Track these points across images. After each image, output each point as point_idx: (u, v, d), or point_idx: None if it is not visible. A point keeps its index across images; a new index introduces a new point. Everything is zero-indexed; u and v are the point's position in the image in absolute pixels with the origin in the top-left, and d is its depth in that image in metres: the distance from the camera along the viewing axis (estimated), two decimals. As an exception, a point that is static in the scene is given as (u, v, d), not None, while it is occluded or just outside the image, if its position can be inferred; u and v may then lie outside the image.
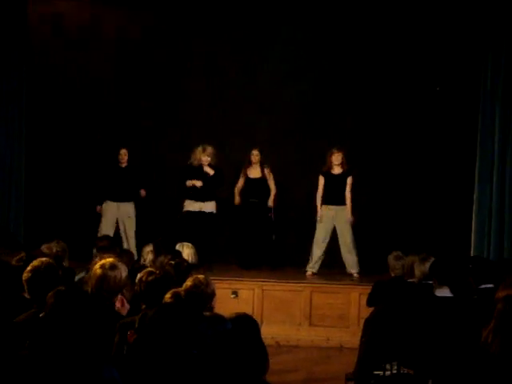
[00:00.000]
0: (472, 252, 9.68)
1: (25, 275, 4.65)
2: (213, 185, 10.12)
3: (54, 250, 6.65)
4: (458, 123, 10.61)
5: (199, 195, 10.10)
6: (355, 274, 9.95)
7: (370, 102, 10.97)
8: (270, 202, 10.40)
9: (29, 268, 4.67)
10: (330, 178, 10.08)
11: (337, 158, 10.04)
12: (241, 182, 10.48)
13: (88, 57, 11.03)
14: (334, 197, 10.05)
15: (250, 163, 10.47)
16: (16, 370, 3.27)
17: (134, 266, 6.39)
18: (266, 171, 10.45)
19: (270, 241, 10.43)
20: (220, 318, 4.70)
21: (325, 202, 10.08)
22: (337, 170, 10.09)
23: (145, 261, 7.66)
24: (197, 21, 11.04)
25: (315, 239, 10.05)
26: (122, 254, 6.77)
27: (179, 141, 10.90)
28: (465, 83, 10.50)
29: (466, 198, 10.06)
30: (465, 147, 10.32)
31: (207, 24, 11.01)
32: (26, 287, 4.62)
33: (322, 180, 10.11)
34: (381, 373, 7.26)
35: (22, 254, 4.98)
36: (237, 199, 10.49)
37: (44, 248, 6.69)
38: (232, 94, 11.12)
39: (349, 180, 10.03)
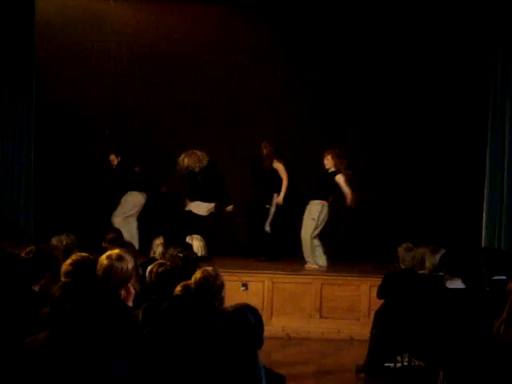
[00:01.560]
0: (483, 243, 9.63)
1: (64, 268, 4.66)
2: (201, 187, 10.06)
3: (64, 243, 6.64)
4: (469, 114, 10.57)
5: (189, 194, 10.15)
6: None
7: (382, 94, 10.95)
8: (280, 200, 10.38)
9: (69, 261, 4.69)
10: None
11: (324, 162, 10.02)
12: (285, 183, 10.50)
13: (97, 50, 10.99)
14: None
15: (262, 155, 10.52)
16: (28, 363, 3.26)
17: (137, 260, 6.38)
18: (277, 164, 10.42)
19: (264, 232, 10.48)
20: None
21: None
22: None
23: (155, 253, 7.67)
24: (197, 16, 11.00)
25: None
26: (128, 247, 6.75)
27: (188, 138, 10.89)
28: (475, 75, 10.44)
29: (476, 189, 10.01)
30: (475, 138, 10.26)
31: (209, 18, 10.97)
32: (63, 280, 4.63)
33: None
34: (392, 365, 7.26)
35: (32, 247, 4.97)
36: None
37: (54, 240, 6.68)
38: (234, 92, 11.10)
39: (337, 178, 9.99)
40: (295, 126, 11.11)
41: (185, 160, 9.96)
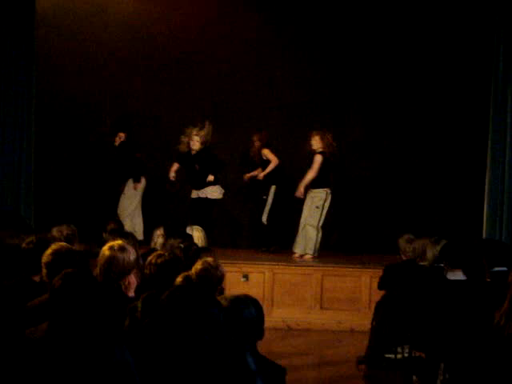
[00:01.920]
0: (484, 234, 9.63)
1: (45, 258, 4.65)
2: (203, 173, 9.99)
3: (65, 233, 6.62)
4: (471, 106, 10.54)
5: (193, 183, 10.09)
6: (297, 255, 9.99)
7: (384, 84, 10.92)
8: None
9: (49, 251, 4.67)
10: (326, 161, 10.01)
11: (312, 142, 9.97)
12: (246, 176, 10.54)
13: (97, 42, 10.95)
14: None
15: (252, 146, 10.53)
16: (29, 353, 3.26)
17: (138, 251, 6.37)
18: (266, 151, 10.41)
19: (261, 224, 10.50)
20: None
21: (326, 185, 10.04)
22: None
23: (155, 244, 7.67)
24: (197, 4, 10.97)
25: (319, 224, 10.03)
26: (129, 239, 6.74)
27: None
28: (476, 67, 10.43)
29: (478, 180, 10.00)
30: (477, 129, 10.26)
31: (209, 8, 10.94)
32: (45, 271, 4.62)
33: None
34: (392, 356, 7.26)
35: (32, 238, 4.97)
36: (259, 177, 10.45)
37: (54, 231, 6.66)
38: (235, 80, 11.07)
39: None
40: (294, 116, 11.07)
41: (204, 131, 9.91)
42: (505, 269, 5.86)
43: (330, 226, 10.57)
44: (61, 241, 5.82)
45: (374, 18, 10.80)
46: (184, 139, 9.96)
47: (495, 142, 9.68)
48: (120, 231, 7.50)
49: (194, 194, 10.04)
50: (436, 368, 5.71)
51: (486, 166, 9.78)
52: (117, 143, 10.62)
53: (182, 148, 9.98)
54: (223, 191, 10.00)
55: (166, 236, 7.32)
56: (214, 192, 9.95)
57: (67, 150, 11.01)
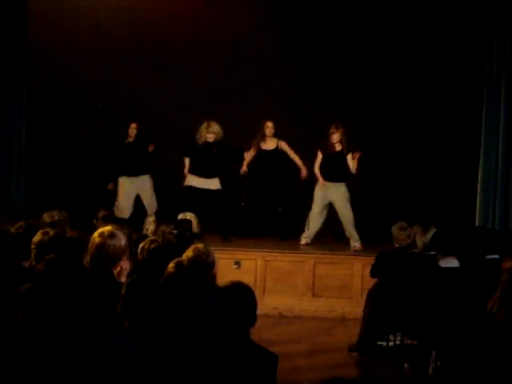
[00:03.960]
0: (477, 222, 9.63)
1: (33, 244, 4.63)
2: (218, 162, 10.05)
3: (56, 219, 6.60)
4: (464, 95, 10.52)
5: (203, 171, 10.04)
6: (358, 245, 9.90)
7: (377, 76, 10.86)
8: (304, 173, 10.21)
9: (37, 237, 4.65)
10: (328, 154, 9.99)
11: (334, 137, 9.94)
12: (250, 154, 10.37)
13: (96, 28, 10.85)
14: (331, 174, 9.98)
15: (263, 136, 10.31)
16: (18, 340, 3.23)
17: (132, 236, 6.34)
18: (283, 144, 10.32)
19: (277, 213, 10.38)
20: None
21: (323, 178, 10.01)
22: (336, 148, 9.99)
23: (147, 231, 7.65)
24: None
25: (311, 212, 9.99)
26: (123, 225, 6.71)
27: (185, 114, 10.79)
28: (469, 58, 10.40)
29: (471, 167, 9.99)
30: (470, 118, 10.24)
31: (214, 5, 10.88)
32: (33, 256, 4.61)
33: (320, 155, 10.04)
34: (384, 343, 7.26)
35: (21, 223, 4.94)
36: (244, 169, 10.36)
37: (45, 216, 6.63)
38: (239, 69, 11.00)
39: (348, 157, 9.94)
40: (295, 105, 11.01)
41: (216, 127, 9.95)
42: (497, 256, 5.87)
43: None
44: (51, 226, 5.80)
45: (372, 17, 10.74)
46: (202, 132, 10.02)
47: (488, 130, 9.69)
48: (113, 217, 7.49)
49: (209, 185, 10.04)
50: (428, 355, 5.72)
51: (480, 154, 9.78)
52: (132, 135, 10.27)
53: (201, 139, 10.02)
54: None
55: (158, 222, 7.30)
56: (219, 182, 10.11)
57: (59, 135, 10.92)
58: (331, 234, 10.39)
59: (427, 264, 6.33)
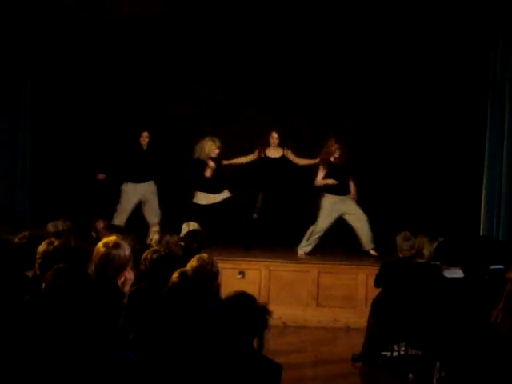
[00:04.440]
0: (481, 232, 9.61)
1: (38, 254, 4.64)
2: (225, 176, 10.19)
3: (60, 229, 6.60)
4: (468, 102, 10.50)
5: (213, 187, 10.10)
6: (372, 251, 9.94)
7: (380, 82, 10.86)
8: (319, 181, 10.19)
9: (43, 247, 4.66)
10: (333, 168, 10.02)
11: (337, 152, 9.98)
12: (248, 158, 10.42)
13: (105, 34, 10.83)
14: (339, 187, 10.00)
15: (268, 145, 10.41)
16: (23, 349, 3.23)
17: (136, 247, 6.34)
18: (289, 153, 10.35)
19: (251, 220, 10.40)
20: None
21: (328, 191, 10.03)
22: (338, 161, 10.02)
23: (151, 240, 7.66)
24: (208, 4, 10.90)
25: (317, 226, 9.98)
26: (126, 235, 6.72)
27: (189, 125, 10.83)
28: (474, 65, 10.38)
29: (475, 178, 9.98)
30: (474, 127, 10.22)
31: (219, 10, 10.88)
32: (38, 266, 4.61)
33: (323, 169, 10.06)
34: (388, 353, 7.25)
35: (25, 233, 4.94)
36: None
37: (50, 226, 6.64)
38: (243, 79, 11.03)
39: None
40: (293, 109, 11.02)
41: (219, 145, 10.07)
42: (501, 267, 5.86)
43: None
44: (56, 236, 5.80)
45: (376, 21, 10.73)
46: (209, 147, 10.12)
47: (493, 140, 9.67)
48: (117, 227, 7.49)
49: (219, 198, 10.10)
50: (432, 366, 5.70)
51: (484, 164, 9.77)
52: (144, 143, 10.35)
53: (208, 154, 10.12)
54: None
55: (162, 232, 7.31)
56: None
57: (64, 144, 10.91)
58: (335, 244, 10.39)
59: (431, 274, 6.33)
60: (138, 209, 10.39)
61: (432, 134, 10.77)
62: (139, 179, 10.30)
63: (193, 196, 10.23)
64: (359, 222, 9.96)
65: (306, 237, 10.01)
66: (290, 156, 10.38)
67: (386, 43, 10.80)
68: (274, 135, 10.35)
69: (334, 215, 9.98)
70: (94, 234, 8.15)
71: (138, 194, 10.31)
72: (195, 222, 9.44)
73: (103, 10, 10.52)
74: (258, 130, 10.54)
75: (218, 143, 10.14)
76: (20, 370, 3.17)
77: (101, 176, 10.36)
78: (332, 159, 10.00)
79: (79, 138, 10.93)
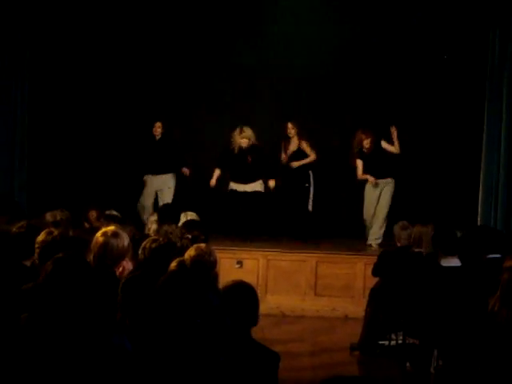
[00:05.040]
0: (479, 222, 9.63)
1: (37, 243, 4.65)
2: (254, 168, 10.03)
3: (58, 218, 6.61)
4: (466, 93, 10.51)
5: (242, 177, 10.07)
6: (374, 245, 10.00)
7: (377, 75, 10.86)
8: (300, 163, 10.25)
9: (42, 236, 4.67)
10: (367, 157, 10.09)
11: (367, 143, 10.02)
12: (284, 157, 10.39)
13: (104, 27, 10.80)
14: (378, 172, 10.08)
15: (287, 137, 10.38)
16: (21, 338, 3.24)
17: (135, 236, 6.34)
18: (304, 144, 10.33)
19: (307, 212, 10.35)
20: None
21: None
22: (369, 150, 10.08)
23: (149, 230, 7.65)
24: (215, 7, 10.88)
25: (367, 214, 10.17)
26: (125, 225, 6.73)
27: (207, 117, 10.83)
28: (472, 54, 10.39)
29: (473, 168, 9.99)
30: (472, 116, 10.23)
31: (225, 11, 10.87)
32: (37, 255, 4.63)
33: (359, 162, 10.13)
34: (386, 342, 7.27)
35: (23, 222, 4.95)
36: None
37: (48, 216, 6.65)
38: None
39: (384, 144, 10.11)
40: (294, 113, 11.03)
41: (249, 132, 9.99)
42: (498, 256, 5.87)
43: (327, 214, 10.62)
44: (54, 225, 5.81)
45: (375, 22, 10.74)
46: (235, 138, 10.05)
47: (490, 131, 9.69)
48: (116, 217, 7.50)
49: (247, 188, 10.05)
50: (429, 355, 5.72)
51: (482, 154, 9.78)
52: (158, 134, 10.31)
53: (235, 145, 10.05)
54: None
55: (160, 222, 7.30)
56: (262, 185, 10.11)
57: (62, 135, 10.90)
58: (333, 233, 10.41)
59: (428, 263, 6.34)
60: (137, 197, 10.39)
61: (430, 127, 10.79)
62: (155, 171, 10.29)
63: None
64: (379, 213, 10.00)
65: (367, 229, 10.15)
66: (305, 147, 10.32)
67: (384, 43, 10.80)
68: (289, 125, 10.31)
69: (376, 200, 10.10)
70: (86, 225, 8.14)
71: (154, 186, 10.33)
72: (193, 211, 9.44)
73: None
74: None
75: (246, 133, 9.99)
76: (19, 359, 3.18)
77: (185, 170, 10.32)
78: (365, 150, 10.06)
79: (77, 129, 10.92)
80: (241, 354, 3.63)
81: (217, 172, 10.12)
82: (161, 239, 5.14)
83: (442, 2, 10.48)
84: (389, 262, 7.33)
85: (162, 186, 10.31)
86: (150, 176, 10.32)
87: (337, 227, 10.56)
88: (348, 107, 10.87)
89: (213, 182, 10.11)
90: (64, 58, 10.79)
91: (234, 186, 10.13)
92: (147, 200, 10.28)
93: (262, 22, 10.91)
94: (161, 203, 10.05)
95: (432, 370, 5.78)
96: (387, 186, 10.06)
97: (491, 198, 9.65)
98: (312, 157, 10.28)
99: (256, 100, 10.92)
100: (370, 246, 10.01)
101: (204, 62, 10.99)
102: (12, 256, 4.73)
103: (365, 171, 10.09)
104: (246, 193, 10.04)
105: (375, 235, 10.04)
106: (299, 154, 10.32)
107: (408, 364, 6.51)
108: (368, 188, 10.12)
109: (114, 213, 8.14)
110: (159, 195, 10.32)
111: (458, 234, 6.32)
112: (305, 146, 10.32)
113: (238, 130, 10.06)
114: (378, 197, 10.09)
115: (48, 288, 3.27)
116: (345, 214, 10.73)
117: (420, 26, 10.62)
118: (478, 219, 9.73)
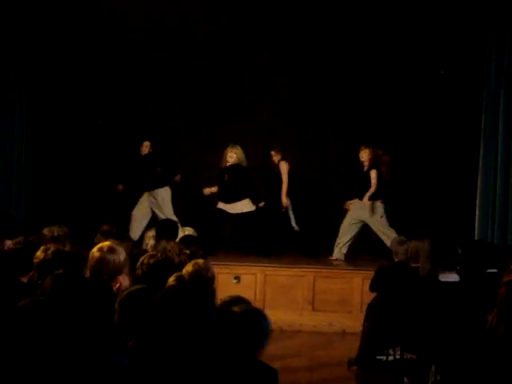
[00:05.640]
0: (476, 236, 9.63)
1: (36, 259, 4.65)
2: (232, 187, 10.07)
3: (56, 234, 6.59)
4: (463, 107, 10.53)
5: (222, 196, 10.13)
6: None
7: (373, 88, 10.88)
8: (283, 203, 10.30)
9: (40, 252, 4.67)
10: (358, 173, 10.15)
11: (362, 155, 10.06)
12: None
13: (105, 38, 10.81)
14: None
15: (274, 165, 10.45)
16: (18, 354, 3.23)
17: (133, 251, 6.34)
18: (282, 164, 10.32)
19: (292, 231, 10.40)
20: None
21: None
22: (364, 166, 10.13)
23: (147, 245, 7.65)
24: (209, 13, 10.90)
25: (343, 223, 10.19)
26: (124, 241, 6.74)
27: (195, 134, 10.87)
28: (468, 67, 10.41)
29: (470, 182, 10.00)
30: (469, 130, 10.23)
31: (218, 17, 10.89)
32: (36, 272, 4.63)
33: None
34: (384, 358, 7.25)
35: (20, 238, 4.95)
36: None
37: (45, 231, 6.63)
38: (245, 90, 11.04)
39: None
40: (303, 118, 11.05)
41: (238, 152, 10.05)
42: (495, 271, 5.87)
43: (324, 229, 10.62)
44: (52, 241, 5.80)
45: (371, 21, 10.77)
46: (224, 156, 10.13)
47: (487, 145, 9.69)
48: (113, 232, 7.48)
49: (229, 208, 10.11)
50: (427, 370, 5.71)
51: (478, 168, 9.78)
52: (144, 153, 10.43)
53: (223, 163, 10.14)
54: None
55: (158, 237, 7.30)
56: (249, 205, 10.16)
57: (60, 150, 10.92)
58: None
59: (427, 278, 6.34)
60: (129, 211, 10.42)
61: (427, 139, 10.79)
62: (147, 187, 10.40)
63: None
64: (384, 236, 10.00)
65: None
66: (283, 168, 10.33)
67: (382, 43, 10.83)
68: (272, 153, 10.38)
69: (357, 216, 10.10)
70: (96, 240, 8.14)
71: (148, 202, 10.41)
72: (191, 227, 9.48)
73: (101, 13, 10.56)
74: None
75: (233, 150, 10.07)
76: (17, 375, 3.17)
77: (120, 187, 10.46)
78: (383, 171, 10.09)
79: (75, 144, 10.93)
80: (239, 370, 3.62)
81: (213, 189, 10.23)
82: (159, 255, 5.14)
83: (438, 15, 10.50)
84: (386, 277, 7.33)
85: (154, 202, 10.36)
86: (144, 194, 10.41)
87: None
88: (341, 124, 10.89)
89: (207, 190, 10.19)
90: (62, 70, 10.81)
91: (220, 204, 10.17)
92: (142, 216, 10.32)
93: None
94: (161, 216, 10.09)
95: (430, 385, 5.77)
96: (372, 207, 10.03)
97: (488, 213, 9.65)
98: (285, 183, 10.26)
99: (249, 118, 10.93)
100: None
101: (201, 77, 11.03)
102: (9, 272, 4.73)
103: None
104: (228, 213, 10.10)
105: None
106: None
107: (406, 379, 6.50)
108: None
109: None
110: (156, 210, 10.33)
111: (459, 250, 6.33)
112: (282, 168, 10.32)
113: (227, 149, 10.13)
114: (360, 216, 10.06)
115: (48, 304, 3.26)
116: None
117: (417, 40, 10.64)
118: (475, 234, 9.73)
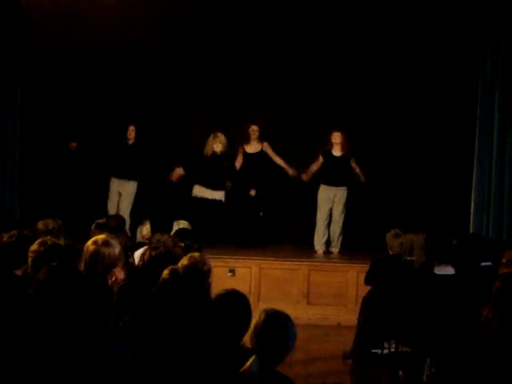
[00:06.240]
0: (471, 230, 9.64)
1: (31, 252, 4.63)
2: (225, 175, 10.17)
3: (50, 227, 6.57)
4: (458, 100, 10.53)
5: (210, 183, 10.10)
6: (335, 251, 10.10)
7: (369, 82, 10.85)
8: (292, 172, 10.30)
9: (35, 245, 4.65)
10: (330, 158, 10.08)
11: (335, 137, 10.03)
12: (240, 160, 10.41)
13: (95, 30, 10.77)
14: (334, 178, 10.03)
15: (248, 139, 10.41)
16: (18, 347, 3.22)
17: (127, 244, 6.32)
18: (266, 146, 10.38)
19: (258, 218, 10.44)
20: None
21: (324, 182, 10.08)
22: (336, 152, 10.08)
23: (142, 238, 7.64)
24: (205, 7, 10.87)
25: (318, 219, 10.16)
26: (118, 234, 6.71)
27: (186, 121, 10.81)
28: (463, 63, 10.41)
29: (465, 176, 10.00)
30: (464, 123, 10.24)
31: (216, 11, 10.86)
32: (30, 265, 4.62)
33: (320, 158, 10.11)
34: (378, 351, 7.25)
35: (14, 231, 4.93)
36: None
37: (40, 224, 6.60)
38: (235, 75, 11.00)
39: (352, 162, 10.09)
40: (290, 107, 11.02)
41: (222, 140, 10.06)
42: (489, 263, 5.88)
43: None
44: (46, 234, 5.78)
45: (367, 21, 10.76)
46: (209, 144, 10.14)
47: (482, 139, 9.69)
48: (108, 225, 7.47)
49: (215, 196, 10.12)
50: (422, 363, 5.72)
51: (473, 162, 9.78)
52: (131, 137, 10.33)
53: (208, 150, 10.14)
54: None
55: (152, 230, 7.29)
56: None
57: (54, 142, 10.87)
58: (326, 242, 10.40)
59: (422, 271, 6.34)
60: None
61: (422, 132, 10.79)
62: (121, 175, 10.28)
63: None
64: (335, 224, 10.12)
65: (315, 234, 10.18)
66: (268, 150, 10.38)
67: (380, 44, 10.83)
68: (254, 128, 10.37)
69: (328, 205, 10.17)
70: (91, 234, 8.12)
71: (118, 189, 10.32)
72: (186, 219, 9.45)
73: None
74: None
75: (219, 138, 10.09)
76: (17, 369, 3.16)
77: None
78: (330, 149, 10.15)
79: (69, 138, 10.89)
80: (233, 363, 3.62)
81: (179, 171, 10.18)
82: (161, 248, 5.13)
83: (433, 12, 10.50)
84: (381, 270, 7.33)
85: (123, 191, 10.28)
86: (113, 179, 10.32)
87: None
88: (339, 117, 10.88)
89: (175, 177, 10.19)
90: (56, 67, 10.78)
91: (198, 190, 10.12)
92: (113, 204, 10.27)
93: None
94: (121, 208, 10.09)
95: (425, 378, 5.77)
96: (342, 194, 10.15)
97: (483, 207, 9.65)
98: (283, 163, 10.31)
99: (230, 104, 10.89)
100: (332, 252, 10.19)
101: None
102: (3, 265, 4.71)
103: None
104: (210, 200, 10.10)
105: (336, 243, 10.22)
106: (259, 156, 10.38)
107: (401, 372, 6.51)
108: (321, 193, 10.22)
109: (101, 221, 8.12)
110: (120, 200, 10.30)
111: (454, 242, 6.34)
112: (267, 149, 10.37)
113: (211, 136, 10.14)
114: (330, 203, 10.16)
115: (42, 297, 3.25)
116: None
117: (412, 35, 10.64)
118: (470, 227, 9.73)
